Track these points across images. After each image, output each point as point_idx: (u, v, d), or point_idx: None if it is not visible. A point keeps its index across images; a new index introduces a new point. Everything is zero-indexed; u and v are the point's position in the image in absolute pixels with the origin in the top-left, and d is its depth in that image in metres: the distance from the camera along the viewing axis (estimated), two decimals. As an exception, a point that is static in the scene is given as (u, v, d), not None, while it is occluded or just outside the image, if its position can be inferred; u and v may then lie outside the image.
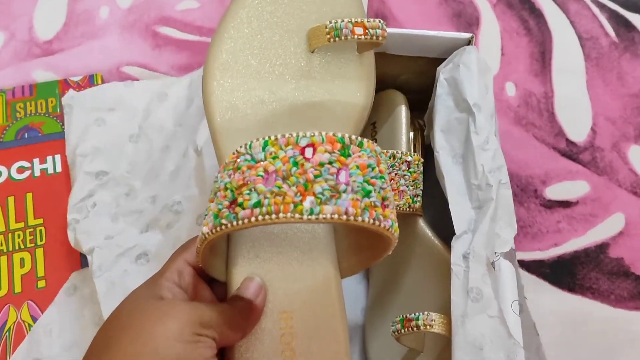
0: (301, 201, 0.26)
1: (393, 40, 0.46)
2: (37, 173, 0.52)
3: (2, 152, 0.52)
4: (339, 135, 0.28)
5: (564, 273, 0.52)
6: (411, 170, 0.46)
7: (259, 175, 0.27)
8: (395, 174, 0.45)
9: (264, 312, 0.32)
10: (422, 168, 0.47)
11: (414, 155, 0.47)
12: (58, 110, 0.54)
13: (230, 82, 0.34)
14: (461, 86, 0.46)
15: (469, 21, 0.63)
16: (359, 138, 0.28)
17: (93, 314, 0.45)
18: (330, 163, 0.27)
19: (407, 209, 0.45)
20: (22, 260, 0.49)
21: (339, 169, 0.27)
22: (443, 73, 0.47)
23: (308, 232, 0.34)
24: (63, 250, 0.48)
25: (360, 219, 0.26)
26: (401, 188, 0.45)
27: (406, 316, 0.41)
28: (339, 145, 0.27)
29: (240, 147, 0.29)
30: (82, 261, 0.49)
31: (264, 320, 0.32)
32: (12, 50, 0.60)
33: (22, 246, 0.49)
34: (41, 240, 0.49)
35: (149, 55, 0.60)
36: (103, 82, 0.56)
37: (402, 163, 0.46)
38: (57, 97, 0.55)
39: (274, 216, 0.26)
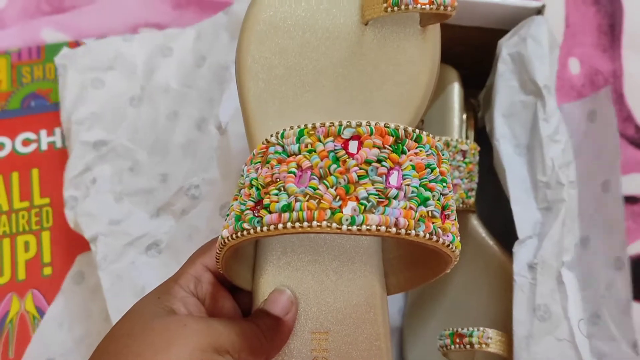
0: (340, 207, 0.22)
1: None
2: (44, 146, 0.48)
3: (5, 122, 0.49)
4: (392, 126, 0.23)
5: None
6: (467, 160, 0.41)
7: (290, 172, 0.23)
8: (449, 165, 0.40)
9: (294, 331, 0.29)
10: (478, 158, 0.42)
11: (470, 143, 0.41)
12: (68, 75, 0.50)
13: (269, 58, 0.30)
14: (529, 64, 0.41)
15: (529, -14, 0.56)
16: (417, 131, 0.24)
17: (100, 309, 0.41)
18: (379, 161, 0.23)
19: (460, 205, 0.41)
20: (26, 243, 0.45)
21: (389, 169, 0.23)
22: (507, 47, 0.42)
23: (351, 239, 0.30)
24: (72, 234, 0.45)
25: (413, 232, 0.22)
26: (455, 181, 0.40)
27: (457, 330, 0.37)
28: (391, 139, 0.23)
29: (271, 135, 0.25)
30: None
31: (292, 341, 0.29)
32: (19, 6, 0.56)
33: (27, 228, 0.46)
34: (47, 222, 0.46)
35: (169, 16, 0.56)
36: (118, 45, 0.52)
37: (457, 152, 0.41)
38: (67, 60, 0.50)
39: (305, 224, 0.22)
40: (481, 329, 0.36)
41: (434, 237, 0.23)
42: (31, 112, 0.49)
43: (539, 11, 0.42)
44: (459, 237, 0.25)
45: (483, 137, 0.44)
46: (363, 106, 0.30)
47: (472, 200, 0.41)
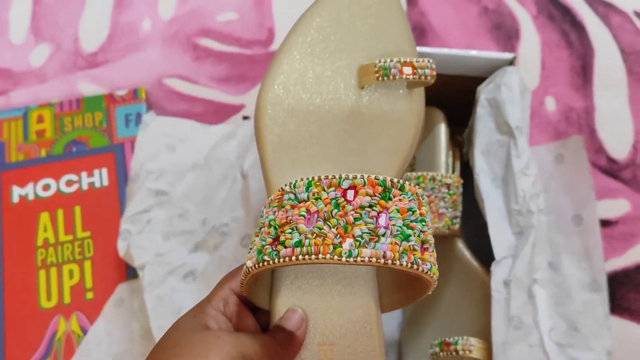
0: (340, 243, 0.27)
1: (433, 59, 0.46)
2: (84, 187, 0.53)
3: (51, 165, 0.54)
4: (381, 178, 0.29)
5: (602, 294, 0.51)
6: (451, 192, 0.46)
7: (301, 215, 0.28)
8: (435, 197, 0.46)
9: (304, 343, 0.33)
10: (461, 189, 0.47)
11: (454, 177, 0.47)
12: (105, 124, 0.56)
13: (282, 116, 0.35)
14: (502, 108, 0.45)
15: (509, 33, 0.62)
16: (401, 181, 0.29)
17: (140, 327, 0.47)
18: (370, 206, 0.28)
19: (447, 231, 0.46)
20: (71, 271, 0.51)
21: (379, 213, 0.28)
22: (484, 93, 0.47)
23: (350, 267, 0.35)
24: (111, 263, 0.50)
25: (398, 262, 0.27)
26: (440, 210, 0.46)
27: (445, 340, 0.42)
28: (380, 189, 0.28)
29: (285, 185, 0.30)
30: (128, 273, 0.51)
31: (303, 352, 0.33)
32: (58, 61, 0.62)
33: (71, 258, 0.51)
34: (89, 253, 0.51)
35: (189, 67, 0.61)
36: (147, 96, 0.58)
37: (442, 185, 0.46)
38: (103, 111, 0.56)
39: (313, 257, 0.27)
40: (465, 337, 0.41)
41: (415, 266, 0.28)
42: (73, 156, 0.54)
43: (511, 62, 0.47)
44: (436, 266, 0.30)
45: (469, 170, 0.48)
46: (361, 155, 0.35)
47: (456, 226, 0.46)
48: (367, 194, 0.28)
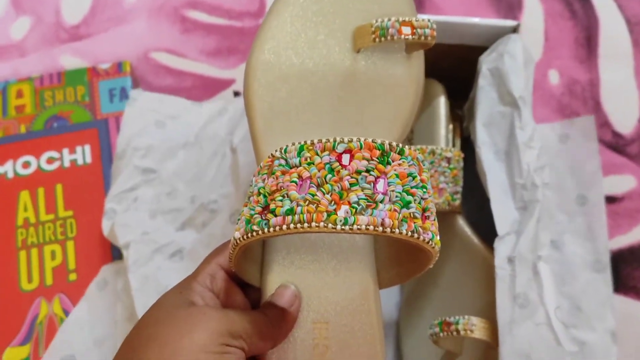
0: (335, 210, 0.25)
1: (433, 28, 0.44)
2: (66, 164, 0.51)
3: (31, 142, 0.52)
4: (379, 141, 0.27)
5: (608, 272, 0.50)
6: (451, 166, 0.44)
7: (292, 182, 0.26)
8: (435, 171, 0.44)
9: (298, 321, 0.31)
10: (462, 164, 0.45)
11: (454, 150, 0.45)
12: (87, 98, 0.53)
13: (273, 82, 0.33)
14: (506, 78, 0.44)
15: (511, 3, 0.60)
16: (400, 145, 0.27)
17: (124, 309, 0.45)
18: (367, 171, 0.26)
19: (447, 207, 0.44)
20: (52, 252, 0.48)
21: (376, 178, 0.26)
22: (486, 63, 0.45)
23: (346, 240, 0.33)
24: (95, 243, 0.48)
25: (397, 230, 0.25)
26: (440, 186, 0.44)
27: (445, 319, 0.40)
28: (377, 153, 0.26)
29: (276, 151, 0.28)
30: (113, 254, 0.48)
31: (297, 330, 0.31)
32: (39, 34, 0.59)
33: (53, 238, 0.49)
34: (72, 233, 0.49)
35: (177, 40, 0.59)
36: (131, 69, 0.55)
37: (442, 159, 0.44)
38: (85, 85, 0.54)
39: (306, 225, 0.25)
40: (466, 317, 0.39)
41: (415, 235, 0.26)
42: (54, 132, 0.52)
43: (514, 29, 0.44)
44: (438, 236, 0.28)
45: (470, 145, 0.46)
46: (357, 124, 0.33)
47: (457, 202, 0.45)
48: (363, 158, 0.26)
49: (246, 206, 0.28)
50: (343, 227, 0.25)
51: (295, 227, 0.25)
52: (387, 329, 0.49)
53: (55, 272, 0.48)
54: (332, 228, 0.25)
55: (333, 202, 0.25)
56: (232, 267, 0.30)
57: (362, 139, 0.26)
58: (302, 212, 0.25)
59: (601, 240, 0.49)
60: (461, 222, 0.45)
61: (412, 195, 0.26)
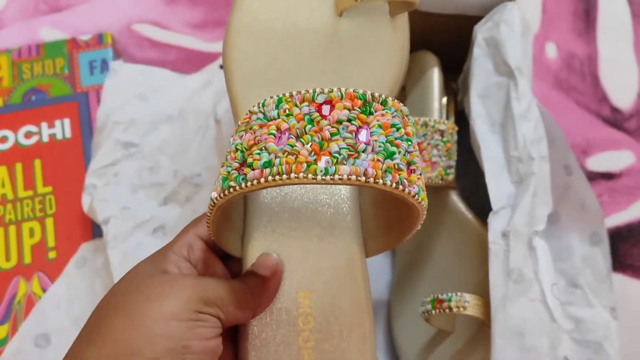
0: (315, 161, 0.24)
1: (426, -5, 0.43)
2: (45, 138, 0.49)
3: (8, 116, 0.50)
4: (360, 91, 0.25)
5: (605, 250, 0.49)
6: (444, 139, 0.43)
7: (270, 134, 0.25)
8: (428, 144, 0.42)
9: (281, 290, 0.30)
10: (456, 137, 0.44)
11: (448, 123, 0.43)
12: (66, 71, 0.51)
13: (253, 48, 0.32)
14: (502, 47, 0.42)
15: (507, -25, 0.58)
16: (382, 96, 0.26)
17: (104, 286, 0.43)
18: (349, 120, 0.25)
19: (440, 182, 0.42)
20: (31, 230, 0.47)
21: (358, 127, 0.25)
22: (481, 32, 0.44)
23: (330, 206, 0.32)
24: (75, 220, 0.47)
25: (381, 181, 0.24)
26: (433, 159, 0.42)
27: (437, 296, 0.39)
28: (359, 102, 0.25)
29: (254, 106, 0.27)
30: (94, 231, 0.47)
31: (280, 300, 0.30)
32: (18, 6, 0.57)
33: (31, 215, 0.47)
34: (51, 209, 0.47)
35: (161, 12, 0.57)
36: (113, 41, 0.53)
37: (435, 132, 0.42)
38: (65, 57, 0.52)
39: (285, 177, 0.24)
40: (459, 294, 0.38)
41: (400, 187, 0.25)
42: (32, 106, 0.50)
43: None
44: (425, 192, 0.26)
45: (464, 120, 0.45)
46: (342, 85, 0.32)
47: (450, 177, 0.43)
48: (344, 108, 0.25)
49: (223, 166, 0.27)
50: (324, 177, 0.24)
51: (274, 180, 0.24)
52: (378, 309, 0.47)
53: (34, 250, 0.46)
54: (312, 178, 0.24)
55: (313, 153, 0.24)
56: (210, 233, 0.29)
57: (343, 89, 0.25)
58: (280, 164, 0.24)
59: (594, 210, 0.47)
60: (455, 198, 0.44)
61: (397, 146, 0.25)
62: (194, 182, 0.45)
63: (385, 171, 0.24)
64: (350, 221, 0.32)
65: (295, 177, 0.24)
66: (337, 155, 0.24)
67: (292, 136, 0.25)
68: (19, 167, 0.48)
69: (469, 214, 0.43)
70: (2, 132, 0.49)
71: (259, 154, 0.25)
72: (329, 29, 0.32)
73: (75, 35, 0.55)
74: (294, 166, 0.24)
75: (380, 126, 0.25)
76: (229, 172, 0.26)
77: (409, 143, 0.26)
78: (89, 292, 0.45)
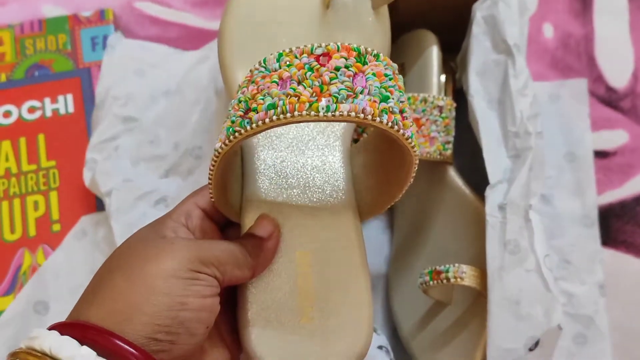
0: (317, 101, 0.26)
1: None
2: (48, 113, 0.50)
3: (11, 91, 0.50)
4: (355, 44, 0.27)
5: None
6: (443, 115, 0.43)
7: (273, 82, 0.27)
8: (427, 120, 0.43)
9: (280, 250, 0.32)
10: (454, 113, 0.45)
11: (447, 99, 0.44)
12: (69, 47, 0.52)
13: (246, 31, 0.34)
14: (500, 26, 0.43)
15: (505, -44, 0.58)
16: (375, 50, 0.28)
17: (103, 257, 0.44)
18: (346, 67, 0.27)
19: (438, 157, 0.43)
20: (35, 203, 0.47)
21: (355, 74, 0.27)
22: (480, 11, 0.44)
23: (324, 171, 0.34)
24: (78, 194, 0.47)
25: (378, 119, 0.26)
26: (432, 134, 0.43)
27: (435, 268, 0.40)
28: (354, 54, 0.27)
29: (254, 65, 0.29)
30: (97, 205, 0.47)
31: (279, 260, 0.31)
32: (19, -18, 0.57)
33: (36, 189, 0.48)
34: (55, 183, 0.48)
35: (163, -11, 0.57)
36: (115, 17, 0.54)
37: (434, 108, 0.43)
38: (67, 33, 0.52)
39: (289, 115, 0.26)
40: (456, 265, 0.39)
41: (396, 127, 0.26)
42: (35, 81, 0.50)
43: None
44: (416, 140, 0.28)
45: (462, 98, 0.46)
46: None
47: (449, 152, 0.44)
48: (342, 57, 0.27)
49: (227, 119, 0.28)
50: (325, 114, 0.25)
51: (279, 119, 0.26)
52: (376, 282, 0.48)
53: (39, 222, 0.47)
54: (315, 116, 0.25)
55: (314, 94, 0.26)
56: (211, 192, 0.30)
57: (339, 43, 0.27)
58: (284, 105, 0.26)
59: (589, 196, 0.49)
60: (452, 173, 0.44)
61: (390, 93, 0.27)
62: (196, 154, 0.45)
63: (382, 111, 0.26)
64: (344, 186, 0.33)
65: (299, 115, 0.25)
66: (336, 95, 0.26)
67: (294, 81, 0.26)
68: (22, 141, 0.49)
69: (466, 189, 0.44)
70: (6, 107, 0.50)
71: (262, 99, 0.26)
72: (318, 18, 0.35)
73: (76, 12, 0.55)
74: (297, 105, 0.25)
75: (374, 74, 0.27)
76: (233, 121, 0.27)
77: (401, 94, 0.28)
78: (89, 264, 0.45)
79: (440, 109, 0.43)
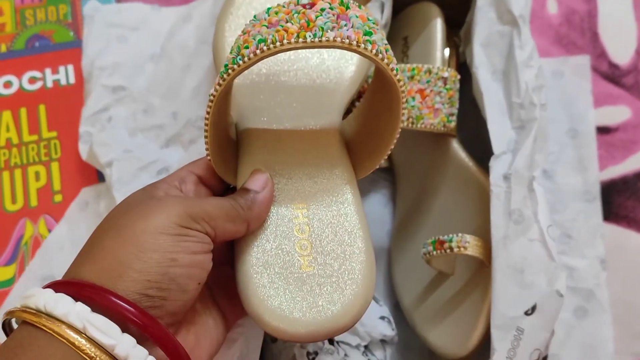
0: (305, 32, 0.27)
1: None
2: (49, 84, 0.49)
3: (12, 61, 0.50)
4: None
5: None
6: (447, 87, 0.43)
7: (263, 26, 0.28)
8: (431, 91, 0.43)
9: (277, 202, 0.32)
10: (459, 85, 0.44)
11: (451, 70, 0.44)
12: (70, 18, 0.51)
13: (241, 22, 0.37)
14: None
15: None
16: (357, 2, 0.29)
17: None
18: (330, 9, 0.28)
19: (442, 128, 0.43)
20: (37, 173, 0.47)
21: (339, 14, 0.28)
22: None
23: (317, 127, 0.34)
24: (80, 164, 0.47)
25: (362, 46, 0.27)
26: (436, 106, 0.43)
27: (439, 238, 0.40)
28: (338, 1, 0.29)
29: (245, 25, 0.30)
30: (99, 176, 0.47)
31: (275, 212, 0.32)
32: (18, -47, 0.56)
33: (37, 159, 0.47)
34: (56, 154, 0.48)
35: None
36: (116, -12, 0.53)
37: (439, 79, 0.43)
38: (68, 4, 0.52)
39: (278, 44, 0.27)
40: (460, 234, 0.39)
41: (380, 56, 0.27)
42: (36, 52, 0.50)
43: None
44: (401, 74, 0.29)
45: (467, 73, 0.45)
46: (317, 65, 0.36)
47: (452, 124, 0.44)
48: (326, 1, 0.28)
49: (222, 68, 0.29)
50: (313, 39, 0.27)
51: (269, 49, 0.27)
52: (379, 255, 0.48)
53: (40, 193, 0.47)
54: (303, 42, 0.27)
55: (301, 28, 0.27)
56: (208, 151, 0.30)
57: None
58: (274, 37, 0.27)
59: (591, 172, 0.49)
60: (455, 146, 0.44)
61: (373, 32, 0.28)
62: (198, 125, 0.45)
63: (366, 41, 0.27)
64: (337, 141, 0.34)
65: (288, 43, 0.27)
66: (322, 26, 0.27)
67: (282, 21, 0.28)
68: (23, 112, 0.49)
69: (469, 161, 0.44)
70: (6, 77, 0.49)
71: (253, 38, 0.28)
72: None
73: (77, -17, 0.54)
74: (285, 35, 0.27)
75: (357, 16, 0.28)
76: (226, 65, 0.28)
77: (383, 39, 0.29)
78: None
79: (445, 80, 0.43)
